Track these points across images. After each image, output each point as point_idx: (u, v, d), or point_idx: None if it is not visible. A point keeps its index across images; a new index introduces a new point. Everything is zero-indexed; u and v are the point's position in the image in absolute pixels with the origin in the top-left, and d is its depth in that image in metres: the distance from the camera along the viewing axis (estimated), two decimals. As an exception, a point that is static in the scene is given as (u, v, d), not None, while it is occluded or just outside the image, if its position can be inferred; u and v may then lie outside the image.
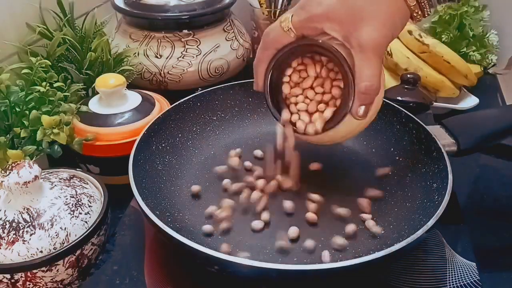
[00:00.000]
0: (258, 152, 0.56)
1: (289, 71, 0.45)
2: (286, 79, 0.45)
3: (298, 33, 0.41)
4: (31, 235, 0.41)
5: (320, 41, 0.41)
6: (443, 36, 0.76)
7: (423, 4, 0.39)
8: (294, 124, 0.46)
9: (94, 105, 0.57)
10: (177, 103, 0.57)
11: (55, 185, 0.45)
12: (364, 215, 0.47)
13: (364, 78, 0.39)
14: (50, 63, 0.55)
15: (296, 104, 0.46)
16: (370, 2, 0.38)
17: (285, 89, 0.45)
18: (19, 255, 0.40)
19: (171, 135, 0.55)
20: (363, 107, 0.40)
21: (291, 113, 0.46)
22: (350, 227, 0.45)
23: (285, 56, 0.43)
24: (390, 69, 0.73)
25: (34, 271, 0.40)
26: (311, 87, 0.45)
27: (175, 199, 0.50)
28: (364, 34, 0.38)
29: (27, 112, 0.51)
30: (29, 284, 0.41)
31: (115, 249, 0.46)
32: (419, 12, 0.39)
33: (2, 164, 0.48)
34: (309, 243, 0.44)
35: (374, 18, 0.38)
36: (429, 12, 0.39)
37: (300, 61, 0.45)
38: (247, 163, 0.54)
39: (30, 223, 0.41)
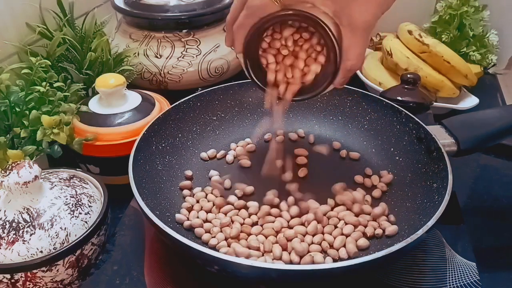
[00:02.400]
0: (252, 147, 0.57)
1: (269, 33, 0.44)
2: (267, 39, 0.44)
3: (285, 3, 0.39)
4: (31, 235, 0.41)
5: (309, 12, 0.39)
6: (443, 36, 0.75)
7: None
8: (275, 84, 0.45)
9: (94, 105, 0.57)
10: (177, 103, 0.57)
11: (55, 185, 0.45)
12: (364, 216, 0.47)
13: (351, 57, 0.40)
14: (50, 63, 0.55)
15: (276, 63, 0.44)
16: None
17: (267, 48, 0.44)
18: (19, 255, 0.40)
19: (171, 135, 0.55)
20: (343, 79, 0.42)
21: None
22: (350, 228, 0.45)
23: (267, 24, 0.42)
24: (390, 69, 0.73)
25: (34, 271, 0.40)
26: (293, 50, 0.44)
27: (175, 199, 0.50)
28: (357, 14, 0.38)
29: (27, 112, 0.51)
30: (29, 284, 0.41)
31: (115, 249, 0.46)
32: None
33: (2, 164, 0.48)
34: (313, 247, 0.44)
35: None
36: None
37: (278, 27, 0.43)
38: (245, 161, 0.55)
39: (30, 223, 0.41)
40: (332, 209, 0.48)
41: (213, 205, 0.49)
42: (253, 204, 0.48)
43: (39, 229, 0.41)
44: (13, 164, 0.42)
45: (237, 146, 0.58)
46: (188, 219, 0.47)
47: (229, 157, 0.56)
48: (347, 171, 0.54)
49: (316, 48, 0.42)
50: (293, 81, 0.44)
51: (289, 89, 0.44)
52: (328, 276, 0.37)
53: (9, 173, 0.41)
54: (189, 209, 0.48)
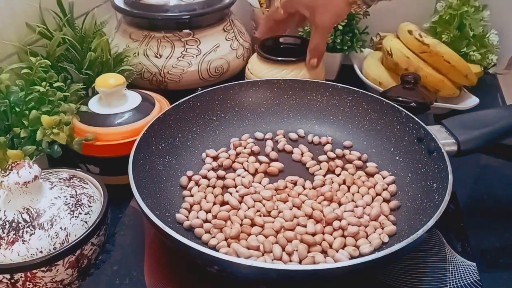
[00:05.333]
0: (256, 148, 0.57)
1: None
2: None
3: (284, 10, 0.66)
4: (31, 235, 0.41)
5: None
6: (443, 36, 0.75)
7: (359, 3, 0.62)
8: None
9: (94, 105, 0.57)
10: (177, 103, 0.57)
11: (55, 185, 0.45)
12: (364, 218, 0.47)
13: (313, 42, 0.64)
14: (50, 63, 0.55)
15: None
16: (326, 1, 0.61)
17: None
18: (19, 255, 0.40)
19: (171, 135, 0.55)
20: (314, 60, 0.65)
21: None
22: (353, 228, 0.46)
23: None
24: (390, 69, 0.73)
25: (34, 271, 0.40)
26: None
27: (175, 199, 0.50)
28: (318, 19, 0.62)
29: (27, 112, 0.51)
30: (29, 284, 0.41)
31: (115, 249, 0.46)
32: (358, 9, 0.63)
33: (2, 164, 0.48)
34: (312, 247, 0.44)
35: (326, 10, 0.61)
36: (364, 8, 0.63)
37: None
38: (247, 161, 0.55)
39: (30, 223, 0.41)
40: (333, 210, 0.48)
41: (213, 205, 0.49)
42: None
43: (39, 229, 0.41)
44: (13, 164, 0.41)
45: (239, 145, 0.58)
46: (187, 219, 0.47)
47: (230, 155, 0.56)
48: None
49: None
50: None
51: None
52: (328, 276, 0.37)
53: (9, 173, 0.41)
54: (189, 210, 0.48)
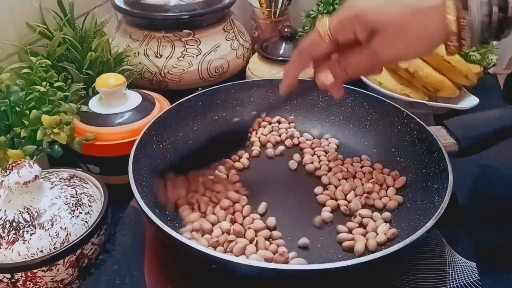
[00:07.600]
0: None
1: None
2: None
3: (336, 35, 0.39)
4: (31, 234, 0.41)
5: None
6: (443, 36, 0.75)
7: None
8: None
9: (94, 105, 0.57)
10: (179, 102, 0.57)
11: (55, 185, 0.45)
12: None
13: (351, 64, 0.42)
14: (50, 63, 0.55)
15: None
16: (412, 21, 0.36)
17: None
18: (19, 254, 0.40)
19: (172, 134, 0.55)
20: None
21: None
22: (351, 225, 0.46)
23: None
24: (390, 69, 0.73)
25: (34, 270, 0.40)
26: None
27: (175, 198, 0.50)
28: (381, 43, 0.37)
29: (27, 111, 0.51)
30: (29, 284, 0.41)
31: (115, 249, 0.46)
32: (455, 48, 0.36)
33: (2, 163, 0.48)
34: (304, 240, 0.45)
35: (403, 34, 0.36)
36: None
37: None
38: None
39: (30, 223, 0.41)
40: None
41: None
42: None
43: (39, 228, 0.41)
44: (13, 164, 0.41)
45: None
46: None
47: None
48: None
49: None
50: None
51: None
52: (328, 276, 0.37)
53: (10, 172, 0.41)
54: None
